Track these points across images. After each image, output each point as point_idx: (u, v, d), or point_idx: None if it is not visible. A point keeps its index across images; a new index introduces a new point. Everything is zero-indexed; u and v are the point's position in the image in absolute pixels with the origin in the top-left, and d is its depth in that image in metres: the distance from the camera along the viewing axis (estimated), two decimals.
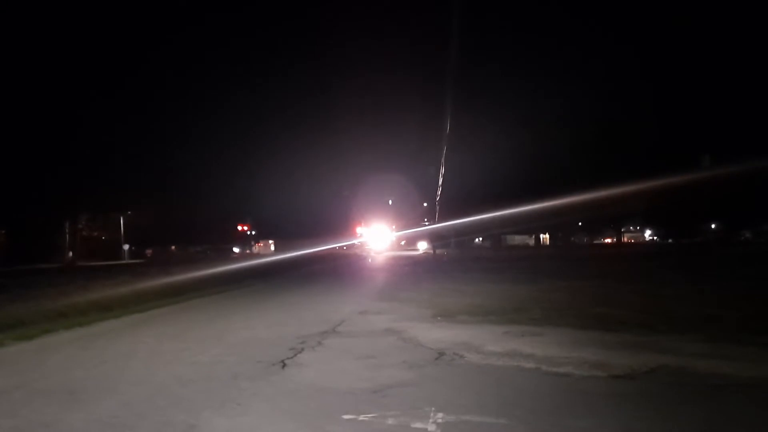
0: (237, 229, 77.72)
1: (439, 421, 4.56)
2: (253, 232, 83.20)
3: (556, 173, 48.69)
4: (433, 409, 4.83)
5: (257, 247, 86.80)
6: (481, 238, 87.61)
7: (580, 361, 6.43)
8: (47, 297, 13.84)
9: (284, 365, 6.74)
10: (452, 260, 40.60)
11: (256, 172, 79.78)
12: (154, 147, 66.97)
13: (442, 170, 53.20)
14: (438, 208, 62.52)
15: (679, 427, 4.35)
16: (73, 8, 56.84)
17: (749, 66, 43.05)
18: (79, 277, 21.47)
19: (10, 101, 43.34)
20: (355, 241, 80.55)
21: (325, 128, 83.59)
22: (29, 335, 9.28)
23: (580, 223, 74.06)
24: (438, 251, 57.32)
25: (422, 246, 75.55)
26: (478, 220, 46.96)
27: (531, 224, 61.30)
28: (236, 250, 79.35)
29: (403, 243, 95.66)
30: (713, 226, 76.15)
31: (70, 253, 55.12)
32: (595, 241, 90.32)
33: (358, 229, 78.98)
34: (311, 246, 57.00)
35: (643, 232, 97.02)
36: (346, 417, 4.72)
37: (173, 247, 77.35)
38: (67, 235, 57.93)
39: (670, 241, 77.01)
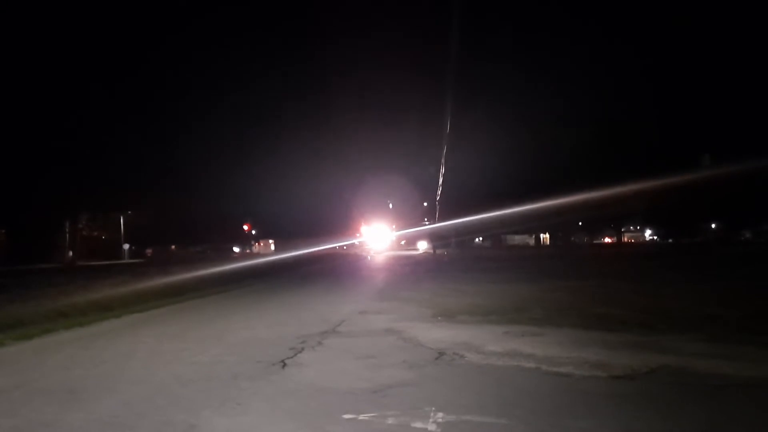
0: (237, 229, 77.69)
1: (440, 420, 4.56)
2: (253, 232, 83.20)
3: (556, 173, 48.69)
4: (433, 408, 4.83)
5: (257, 247, 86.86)
6: (481, 238, 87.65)
7: (580, 361, 6.42)
8: (47, 297, 13.84)
9: (284, 365, 6.73)
10: (452, 260, 40.60)
11: (256, 172, 79.73)
12: (154, 146, 66.95)
13: (443, 170, 53.23)
14: (438, 207, 62.56)
15: (679, 428, 4.34)
16: (73, 8, 56.82)
17: (749, 66, 43.05)
18: (79, 277, 21.49)
19: (10, 101, 43.34)
20: (355, 241, 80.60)
21: (324, 128, 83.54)
22: (29, 335, 9.28)
23: (580, 223, 74.08)
24: (438, 251, 57.35)
25: (422, 246, 75.59)
26: (478, 219, 46.94)
27: (531, 224, 61.32)
28: (236, 249, 79.45)
29: (403, 243, 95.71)
30: (713, 225, 76.16)
31: (70, 253, 55.12)
32: (595, 241, 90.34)
33: (358, 229, 79.01)
34: (311, 246, 57.06)
35: (643, 231, 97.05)
36: (346, 417, 4.72)
37: (173, 247, 77.45)
38: (67, 235, 57.93)
39: (670, 240, 77.06)
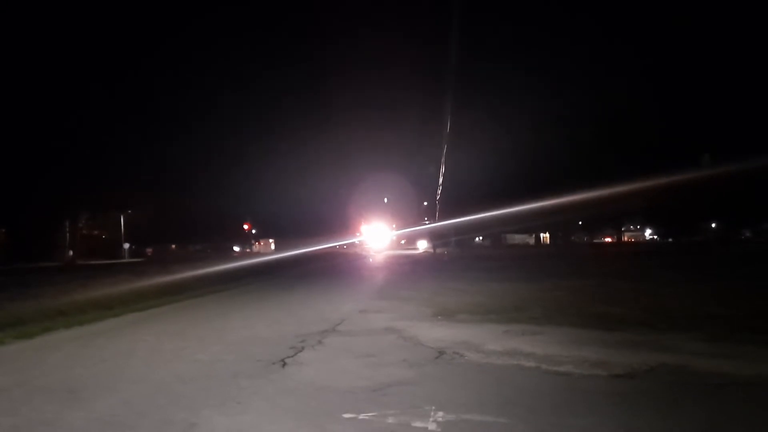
0: (237, 228, 77.70)
1: (440, 419, 4.56)
2: (254, 231, 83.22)
3: (556, 172, 48.69)
4: (433, 407, 4.83)
5: (257, 246, 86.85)
6: (481, 237, 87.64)
7: (580, 360, 6.43)
8: (47, 295, 13.85)
9: (284, 364, 6.73)
10: (452, 259, 40.59)
11: (256, 171, 79.73)
12: (154, 146, 66.99)
13: (443, 169, 53.23)
14: (438, 206, 62.55)
15: (679, 427, 4.34)
16: (71, 7, 56.79)
17: (750, 65, 43.03)
18: (79, 276, 21.50)
19: (10, 100, 43.34)
20: (355, 240, 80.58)
21: (324, 127, 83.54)
22: (29, 333, 9.28)
23: (580, 222, 74.11)
24: (438, 250, 57.34)
25: (422, 245, 75.57)
26: (478, 218, 46.93)
27: (531, 223, 61.33)
28: (236, 248, 79.46)
29: (403, 242, 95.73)
30: (713, 225, 76.17)
31: (70, 252, 55.14)
32: (595, 240, 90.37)
33: (358, 228, 78.99)
34: (311, 244, 57.08)
35: (643, 231, 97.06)
36: (346, 416, 4.72)
37: (173, 246, 77.45)
38: (68, 234, 57.96)
39: (670, 240, 77.07)
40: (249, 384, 5.84)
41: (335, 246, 75.33)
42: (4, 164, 44.55)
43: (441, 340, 7.94)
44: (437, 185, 57.58)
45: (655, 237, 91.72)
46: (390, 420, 4.59)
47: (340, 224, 79.90)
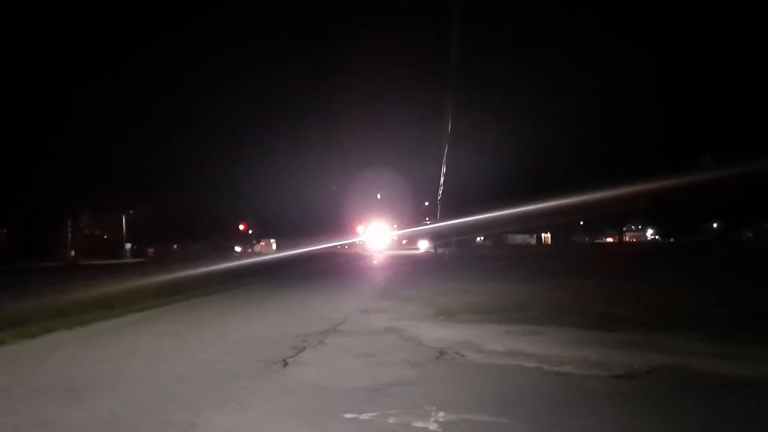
0: (239, 228, 77.70)
1: (441, 419, 4.56)
2: (250, 231, 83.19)
3: (558, 172, 48.68)
4: (434, 407, 4.83)
5: (259, 246, 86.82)
6: (482, 237, 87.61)
7: (581, 360, 6.42)
8: (48, 295, 13.88)
9: (285, 364, 6.73)
10: (453, 259, 40.58)
11: (258, 171, 79.84)
12: (156, 146, 67.07)
13: (444, 169, 53.22)
14: (439, 207, 62.55)
15: (680, 427, 4.34)
16: (75, 9, 56.84)
17: (751, 66, 42.97)
18: (80, 276, 21.54)
19: (12, 101, 43.38)
20: (356, 240, 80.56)
21: (326, 127, 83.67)
22: (30, 333, 9.28)
23: (581, 222, 74.05)
24: (439, 250, 57.33)
25: (423, 245, 75.51)
26: (479, 219, 46.92)
27: (532, 223, 61.30)
28: (238, 248, 79.39)
29: (404, 242, 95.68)
30: (715, 225, 76.09)
31: (72, 252, 55.16)
32: (597, 240, 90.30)
33: (359, 228, 78.97)
34: (313, 244, 57.07)
35: (644, 231, 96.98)
36: (347, 416, 4.72)
37: (175, 246, 77.38)
38: (69, 234, 57.99)
39: (671, 240, 77.00)
40: (250, 384, 5.84)
41: (336, 246, 75.33)
42: (6, 164, 44.64)
43: (442, 340, 7.93)
44: (438, 185, 57.58)
45: (657, 237, 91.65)
46: (391, 420, 4.58)
47: (341, 224, 79.89)
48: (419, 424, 4.48)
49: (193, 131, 78.29)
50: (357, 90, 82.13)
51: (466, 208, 49.12)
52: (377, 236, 77.84)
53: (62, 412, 5.02)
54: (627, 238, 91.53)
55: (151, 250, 70.65)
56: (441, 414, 4.67)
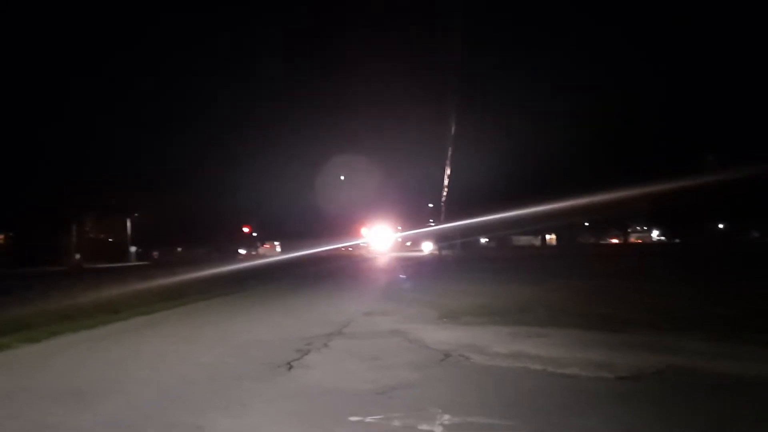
0: (243, 230, 77.88)
1: (446, 422, 4.55)
2: (254, 234, 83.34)
3: (562, 174, 48.57)
4: (439, 410, 4.82)
5: (263, 249, 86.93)
6: (486, 239, 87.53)
7: (586, 362, 6.40)
8: (53, 299, 13.92)
9: (290, 367, 6.73)
10: (457, 261, 40.55)
11: (262, 174, 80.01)
12: (159, 148, 67.24)
13: (448, 170, 53.20)
14: (443, 208, 62.53)
15: (685, 428, 4.32)
16: (76, 10, 57.12)
17: (756, 66, 42.82)
18: (85, 280, 21.60)
19: (15, 104, 43.61)
20: (359, 242, 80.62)
21: (329, 129, 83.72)
22: (35, 337, 9.30)
23: (586, 224, 73.89)
24: (443, 252, 57.28)
25: (427, 247, 75.49)
26: (483, 220, 46.88)
27: (537, 225, 61.18)
28: (242, 251, 79.51)
29: (408, 244, 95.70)
30: (720, 225, 75.78)
31: (77, 256, 55.33)
32: (602, 242, 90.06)
33: (363, 230, 79.04)
34: (316, 246, 57.13)
35: (650, 232, 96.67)
36: (352, 419, 4.72)
37: (179, 249, 77.57)
38: (74, 238, 58.18)
39: (677, 240, 76.77)
40: (254, 387, 5.84)
41: (340, 248, 75.38)
42: (10, 168, 44.86)
43: (446, 342, 7.92)
44: (442, 187, 57.56)
45: (662, 238, 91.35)
46: (396, 423, 4.58)
47: (344, 226, 79.97)
48: (424, 426, 4.47)
49: (197, 134, 78.57)
50: (360, 92, 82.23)
51: (470, 210, 49.08)
52: (381, 238, 77.90)
53: (67, 416, 5.03)
54: (632, 239, 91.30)
55: (155, 254, 70.80)
56: (446, 417, 4.66)
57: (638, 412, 4.68)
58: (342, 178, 68.24)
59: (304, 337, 8.77)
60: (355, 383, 5.85)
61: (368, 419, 4.69)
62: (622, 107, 44.29)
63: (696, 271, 21.45)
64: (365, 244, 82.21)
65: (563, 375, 5.94)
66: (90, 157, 51.33)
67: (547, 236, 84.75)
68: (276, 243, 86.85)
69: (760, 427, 4.37)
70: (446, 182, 55.79)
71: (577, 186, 40.19)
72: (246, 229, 77.40)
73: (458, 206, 54.92)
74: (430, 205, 77.18)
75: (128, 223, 65.46)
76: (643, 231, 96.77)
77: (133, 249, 65.84)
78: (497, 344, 7.67)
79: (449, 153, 51.30)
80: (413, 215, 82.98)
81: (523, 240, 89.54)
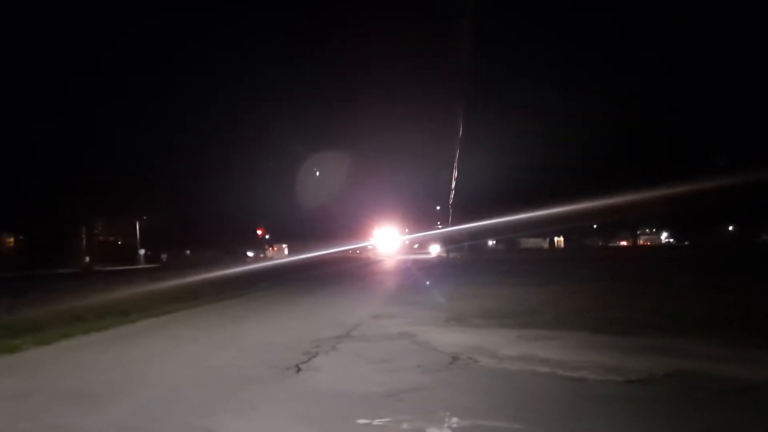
0: (251, 233, 78.05)
1: (454, 425, 4.55)
2: (267, 236, 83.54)
3: (572, 176, 48.38)
4: (447, 413, 4.82)
5: (271, 251, 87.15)
6: (494, 242, 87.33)
7: (595, 366, 6.38)
8: (64, 301, 14.00)
9: (299, 369, 6.75)
10: (465, 263, 40.48)
11: (270, 177, 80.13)
12: (168, 151, 67.51)
13: (455, 173, 53.14)
14: (451, 211, 62.45)
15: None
16: (86, 16, 57.59)
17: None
18: (95, 282, 21.73)
19: (25, 108, 44.00)
20: (367, 244, 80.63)
21: (336, 130, 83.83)
22: (47, 339, 9.38)
23: (594, 226, 73.55)
24: (451, 254, 57.20)
25: (435, 249, 75.40)
26: (491, 223, 46.77)
27: (546, 228, 60.97)
28: (250, 254, 79.74)
29: (415, 246, 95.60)
30: (730, 228, 75.25)
31: (87, 258, 55.70)
32: (610, 244, 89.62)
33: (371, 233, 79.04)
34: (324, 249, 57.19)
35: (659, 234, 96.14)
36: (360, 421, 4.73)
37: (188, 252, 77.88)
38: (84, 240, 58.56)
39: (686, 243, 76.29)
40: (263, 389, 5.86)
41: (348, 250, 75.40)
42: (22, 171, 45.27)
43: (455, 345, 7.92)
44: (450, 189, 57.48)
45: (671, 240, 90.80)
46: (404, 426, 4.59)
47: (352, 228, 79.98)
48: (433, 429, 4.48)
49: (204, 136, 78.88)
50: (368, 94, 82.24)
51: (478, 213, 49.00)
52: (388, 241, 77.87)
53: (78, 418, 5.07)
54: (641, 242, 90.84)
55: (164, 256, 71.18)
56: (454, 420, 4.67)
57: (647, 415, 4.66)
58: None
59: (312, 339, 8.79)
60: (364, 386, 5.86)
61: (376, 422, 4.69)
62: (634, 110, 44.08)
63: (707, 274, 21.30)
64: (373, 247, 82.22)
65: (572, 378, 5.92)
66: (99, 161, 51.67)
67: (555, 239, 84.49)
68: (284, 245, 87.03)
69: None
70: (454, 185, 55.72)
71: (587, 189, 40.03)
72: (259, 232, 77.57)
73: (466, 209, 54.84)
74: (438, 208, 77.16)
75: (137, 226, 65.81)
76: (651, 233, 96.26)
77: (141, 251, 66.19)
78: (506, 347, 7.66)
79: (457, 155, 51.24)
80: (421, 218, 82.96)
81: (531, 242, 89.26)
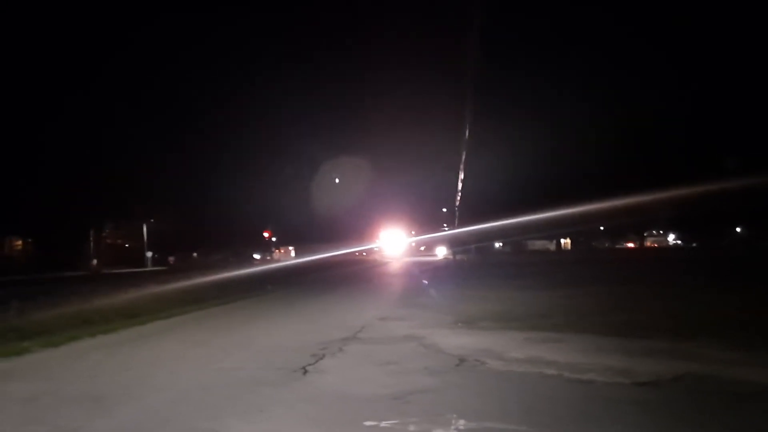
0: (258, 236, 78.18)
1: (461, 427, 4.54)
2: (274, 239, 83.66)
3: (578, 178, 48.22)
4: (454, 415, 4.81)
5: (278, 254, 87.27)
6: (501, 244, 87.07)
7: (603, 368, 6.35)
8: (73, 304, 14.04)
9: (306, 372, 6.76)
10: (472, 266, 40.38)
11: (276, 179, 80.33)
12: (176, 155, 67.90)
13: (462, 175, 53.02)
14: (457, 213, 62.32)
15: None
16: (98, 23, 57.93)
17: None
18: (103, 285, 21.78)
19: (32, 112, 44.31)
20: (374, 247, 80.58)
21: (343, 133, 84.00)
22: (56, 342, 9.42)
23: (602, 228, 73.24)
24: (458, 257, 57.07)
25: (441, 251, 75.23)
26: (498, 225, 46.65)
27: (553, 231, 60.79)
28: (257, 256, 79.85)
29: (422, 248, 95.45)
30: (738, 229, 74.73)
31: (95, 261, 55.94)
32: (617, 246, 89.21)
33: (377, 235, 78.98)
34: (330, 251, 57.18)
35: (666, 236, 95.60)
36: (367, 423, 4.72)
37: (195, 254, 78.11)
38: (92, 243, 58.83)
39: (694, 245, 75.84)
40: (271, 392, 5.87)
41: (354, 252, 75.38)
42: (31, 176, 45.61)
43: (462, 347, 7.90)
44: (456, 191, 57.37)
45: (679, 242, 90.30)
46: (411, 428, 4.58)
47: (359, 231, 79.96)
48: (440, 431, 4.47)
49: (212, 140, 79.12)
50: (375, 96, 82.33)
51: (485, 215, 48.87)
52: (395, 243, 77.79)
53: (87, 421, 5.09)
54: (648, 244, 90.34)
55: (172, 259, 71.38)
56: (461, 422, 4.66)
57: (655, 418, 4.63)
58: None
59: (319, 341, 8.79)
60: (371, 388, 5.86)
61: (383, 424, 4.69)
62: (642, 112, 43.89)
63: (717, 276, 21.16)
64: (379, 249, 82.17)
65: (580, 381, 5.89)
66: (107, 164, 52.02)
67: (563, 240, 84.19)
68: (290, 248, 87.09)
69: None
70: (460, 187, 55.60)
71: (595, 191, 39.88)
72: (266, 234, 77.66)
73: (472, 211, 54.73)
74: (444, 210, 76.98)
75: (144, 229, 66.06)
76: (659, 235, 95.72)
77: (149, 254, 66.39)
78: (513, 349, 7.64)
79: (463, 157, 51.14)
80: (427, 220, 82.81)
81: (538, 244, 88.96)
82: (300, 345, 8.63)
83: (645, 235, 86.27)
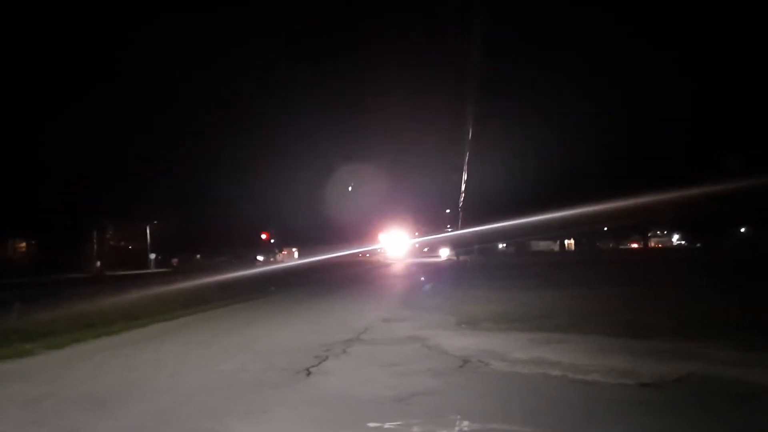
0: (261, 237, 78.24)
1: (465, 429, 4.53)
2: (272, 240, 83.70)
3: (584, 179, 48.10)
4: (458, 417, 4.80)
5: (281, 255, 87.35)
6: (504, 244, 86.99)
7: (607, 369, 6.32)
8: (76, 306, 14.07)
9: (309, 373, 6.75)
10: (475, 267, 40.35)
11: (279, 180, 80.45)
12: (178, 156, 68.03)
13: (465, 176, 53.03)
14: (461, 214, 62.32)
15: None
16: (99, 23, 58.13)
17: None
18: (107, 287, 21.83)
19: (34, 113, 44.46)
20: (377, 248, 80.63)
21: (346, 134, 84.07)
22: (58, 344, 9.44)
23: (605, 228, 73.07)
24: (461, 258, 57.06)
25: (445, 252, 75.22)
26: (501, 226, 46.58)
27: (556, 231, 60.69)
28: (260, 258, 79.94)
29: (425, 249, 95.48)
30: (742, 230, 74.54)
31: (98, 263, 56.04)
32: (621, 246, 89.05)
33: (380, 236, 79.02)
34: (333, 252, 57.23)
35: (670, 236, 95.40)
36: (371, 425, 4.71)
37: (198, 256, 78.22)
38: (95, 245, 58.94)
39: (698, 245, 75.65)
40: (274, 393, 5.86)
41: (358, 254, 75.44)
42: (34, 177, 45.74)
43: (465, 348, 7.89)
44: (460, 192, 57.37)
45: (683, 242, 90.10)
46: (415, 429, 4.57)
47: (361, 232, 79.99)
48: None
49: (214, 142, 79.23)
50: (377, 97, 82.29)
51: (488, 215, 48.83)
52: (398, 244, 77.83)
53: (90, 423, 5.10)
54: (652, 244, 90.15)
55: (175, 261, 71.44)
56: (465, 423, 4.64)
57: (659, 419, 4.61)
58: (350, 186, 67.96)
59: (322, 343, 8.78)
60: (374, 389, 5.85)
61: (387, 425, 4.68)
62: (646, 112, 43.76)
63: (720, 277, 21.09)
64: (382, 250, 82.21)
65: (584, 381, 5.87)
66: (109, 166, 52.11)
67: (566, 241, 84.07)
68: (294, 249, 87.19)
69: None
70: (463, 188, 55.59)
71: (599, 191, 39.78)
72: (264, 236, 77.71)
73: (476, 212, 54.71)
74: (447, 211, 77.03)
75: (147, 231, 66.15)
76: (663, 236, 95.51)
77: (152, 256, 66.47)
78: (517, 350, 7.62)
79: (466, 158, 51.12)
80: (430, 221, 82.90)
81: (542, 245, 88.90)
82: (303, 346, 8.62)
83: (649, 235, 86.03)
